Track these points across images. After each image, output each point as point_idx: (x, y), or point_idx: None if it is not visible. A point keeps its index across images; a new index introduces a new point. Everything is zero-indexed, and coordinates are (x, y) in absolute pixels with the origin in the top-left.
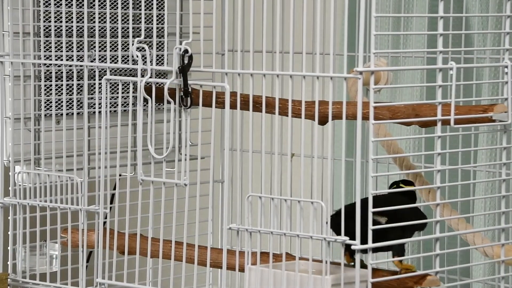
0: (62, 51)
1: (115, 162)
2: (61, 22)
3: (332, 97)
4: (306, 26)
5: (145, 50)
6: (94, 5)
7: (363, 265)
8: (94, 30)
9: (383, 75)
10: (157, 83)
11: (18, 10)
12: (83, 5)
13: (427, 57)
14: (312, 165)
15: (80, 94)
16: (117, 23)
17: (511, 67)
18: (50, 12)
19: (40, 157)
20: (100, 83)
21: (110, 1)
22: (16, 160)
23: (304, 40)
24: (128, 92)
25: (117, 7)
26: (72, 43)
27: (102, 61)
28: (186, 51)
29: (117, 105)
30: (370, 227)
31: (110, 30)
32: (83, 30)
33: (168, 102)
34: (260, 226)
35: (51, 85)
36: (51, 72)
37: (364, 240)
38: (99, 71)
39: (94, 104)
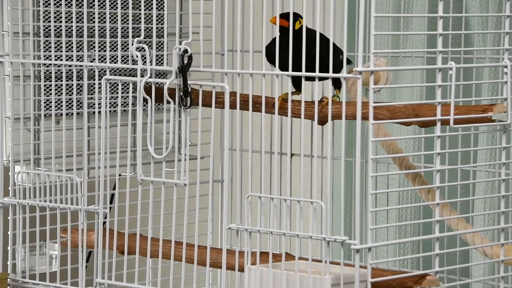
0: (61, 51)
1: (115, 162)
2: (60, 22)
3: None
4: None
5: (144, 50)
6: (93, 5)
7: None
8: (94, 30)
9: (382, 75)
10: (157, 83)
11: (18, 10)
12: (82, 5)
13: (427, 57)
14: (312, 165)
15: (80, 94)
16: (117, 23)
17: (511, 67)
18: (49, 12)
19: (39, 157)
20: (99, 83)
21: (110, 1)
22: (16, 160)
23: (304, 40)
24: (128, 92)
25: (117, 7)
26: (72, 43)
27: (102, 61)
28: (185, 51)
29: (117, 105)
30: (370, 226)
31: (110, 30)
32: (82, 30)
33: (168, 102)
34: (260, 226)
35: (50, 85)
36: (50, 72)
37: None
38: (99, 71)
39: (94, 104)
